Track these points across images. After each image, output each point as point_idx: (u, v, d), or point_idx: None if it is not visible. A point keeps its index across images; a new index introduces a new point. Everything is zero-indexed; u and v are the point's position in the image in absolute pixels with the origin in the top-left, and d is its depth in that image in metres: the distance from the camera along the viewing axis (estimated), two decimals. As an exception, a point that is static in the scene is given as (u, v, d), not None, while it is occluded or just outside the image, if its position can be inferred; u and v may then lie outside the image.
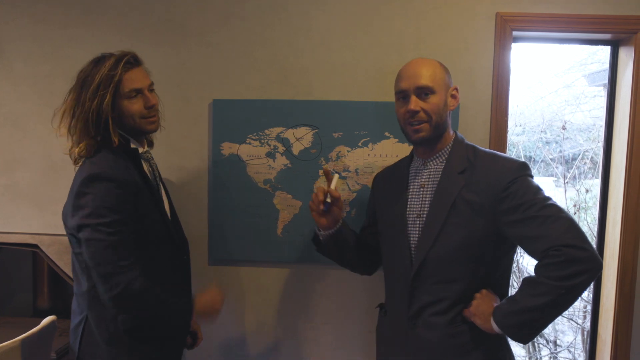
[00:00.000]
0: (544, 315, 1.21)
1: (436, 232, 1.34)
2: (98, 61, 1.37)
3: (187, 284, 1.58)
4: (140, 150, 1.46)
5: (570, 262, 1.16)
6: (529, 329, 1.23)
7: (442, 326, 1.34)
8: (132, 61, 1.39)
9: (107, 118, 1.34)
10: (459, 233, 1.32)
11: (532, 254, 1.26)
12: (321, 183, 1.94)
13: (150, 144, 1.58)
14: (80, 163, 1.40)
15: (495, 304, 1.30)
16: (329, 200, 1.44)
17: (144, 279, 1.29)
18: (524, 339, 1.25)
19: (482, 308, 1.30)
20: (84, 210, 1.28)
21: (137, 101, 1.38)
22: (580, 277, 1.16)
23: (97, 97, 1.33)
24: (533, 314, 1.21)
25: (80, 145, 1.36)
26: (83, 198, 1.29)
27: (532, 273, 1.25)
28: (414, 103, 1.36)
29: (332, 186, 1.46)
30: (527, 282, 1.24)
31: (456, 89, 1.43)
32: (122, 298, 1.27)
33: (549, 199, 1.25)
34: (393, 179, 1.53)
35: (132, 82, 1.37)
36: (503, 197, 1.28)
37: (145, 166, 1.47)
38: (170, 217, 1.52)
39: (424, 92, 1.36)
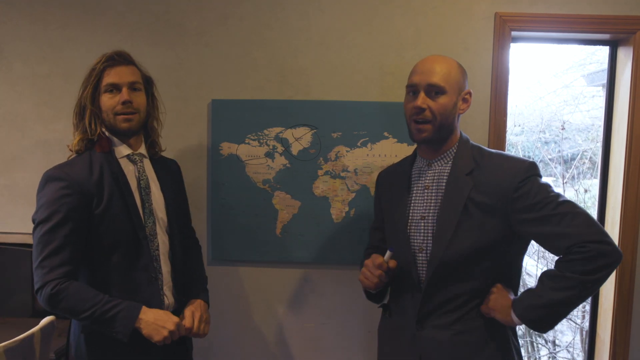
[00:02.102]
0: (566, 307, 1.25)
1: (449, 236, 1.32)
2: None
3: (152, 293, 1.43)
4: (126, 152, 1.45)
5: (597, 257, 1.19)
6: (551, 320, 1.27)
7: (453, 324, 1.34)
8: (115, 58, 1.40)
9: (87, 110, 1.39)
10: (472, 235, 1.31)
11: (552, 250, 1.29)
12: (320, 183, 1.94)
13: (153, 144, 1.54)
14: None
15: (511, 297, 1.31)
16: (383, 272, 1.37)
17: (66, 283, 1.29)
18: (545, 329, 1.29)
19: (500, 302, 1.31)
20: (36, 209, 1.36)
21: (112, 96, 1.39)
22: (605, 270, 1.20)
23: (82, 89, 1.41)
24: (556, 307, 1.24)
25: (76, 138, 1.43)
26: (37, 197, 1.37)
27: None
28: (422, 100, 1.32)
29: (386, 259, 1.38)
30: (549, 276, 1.25)
31: (469, 93, 1.39)
32: (40, 296, 1.31)
33: (560, 195, 1.27)
34: (396, 179, 1.50)
35: (110, 77, 1.39)
36: (516, 198, 1.28)
37: (129, 169, 1.45)
38: (155, 219, 1.47)
39: (434, 90, 1.32)
